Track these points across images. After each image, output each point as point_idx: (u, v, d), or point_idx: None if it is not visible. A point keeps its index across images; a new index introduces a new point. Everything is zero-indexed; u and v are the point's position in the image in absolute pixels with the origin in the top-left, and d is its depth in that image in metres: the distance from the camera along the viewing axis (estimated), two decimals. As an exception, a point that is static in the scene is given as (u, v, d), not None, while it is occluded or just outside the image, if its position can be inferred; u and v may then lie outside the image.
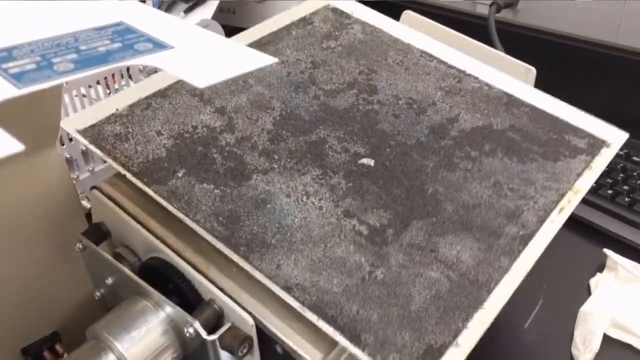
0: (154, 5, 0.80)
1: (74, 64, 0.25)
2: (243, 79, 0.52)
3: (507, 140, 0.49)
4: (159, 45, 0.28)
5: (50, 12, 0.30)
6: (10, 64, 0.25)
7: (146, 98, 0.49)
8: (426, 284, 0.38)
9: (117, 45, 0.27)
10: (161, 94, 0.50)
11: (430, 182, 0.44)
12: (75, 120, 0.47)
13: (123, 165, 0.43)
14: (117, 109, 0.48)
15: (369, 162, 0.45)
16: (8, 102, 0.23)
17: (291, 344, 0.36)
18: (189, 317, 0.37)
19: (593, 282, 0.59)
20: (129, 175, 0.43)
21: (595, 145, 0.49)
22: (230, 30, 0.72)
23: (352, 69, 0.55)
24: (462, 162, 0.46)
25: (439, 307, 0.36)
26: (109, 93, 0.65)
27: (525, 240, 0.41)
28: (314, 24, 0.60)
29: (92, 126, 0.46)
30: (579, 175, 0.46)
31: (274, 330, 0.37)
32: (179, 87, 0.51)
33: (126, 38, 0.28)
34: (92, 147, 0.45)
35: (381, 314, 0.36)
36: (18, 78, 0.24)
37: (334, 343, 0.35)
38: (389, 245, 0.40)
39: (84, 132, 0.46)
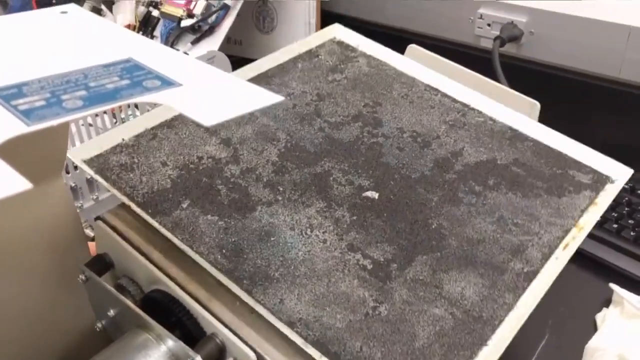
0: (162, 37, 0.81)
1: (83, 101, 0.26)
2: None
3: (511, 174, 0.49)
4: (167, 83, 0.28)
5: (61, 49, 0.31)
6: (20, 101, 0.25)
7: (152, 129, 0.50)
8: (430, 321, 0.37)
9: (125, 82, 0.28)
10: (167, 124, 0.50)
11: (435, 217, 0.44)
12: (81, 150, 0.47)
13: (128, 196, 0.44)
14: (123, 139, 0.48)
15: (373, 195, 0.45)
16: (16, 138, 0.24)
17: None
18: (190, 352, 0.37)
19: (599, 317, 0.58)
20: (133, 206, 0.43)
21: (600, 181, 0.49)
22: (237, 61, 0.72)
23: (357, 101, 0.55)
24: (466, 197, 0.46)
25: (443, 345, 0.36)
26: (115, 122, 0.65)
27: (529, 276, 0.41)
28: (320, 57, 0.60)
29: (98, 156, 0.47)
30: (583, 211, 0.46)
31: (276, 365, 0.36)
32: (185, 118, 0.51)
33: (134, 75, 0.28)
34: (97, 177, 0.45)
35: (385, 351, 0.35)
36: (27, 115, 0.24)
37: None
38: (393, 280, 0.40)
39: (89, 162, 0.46)
